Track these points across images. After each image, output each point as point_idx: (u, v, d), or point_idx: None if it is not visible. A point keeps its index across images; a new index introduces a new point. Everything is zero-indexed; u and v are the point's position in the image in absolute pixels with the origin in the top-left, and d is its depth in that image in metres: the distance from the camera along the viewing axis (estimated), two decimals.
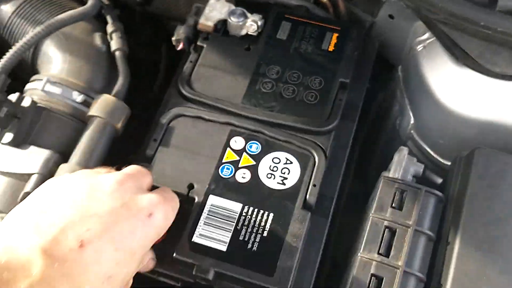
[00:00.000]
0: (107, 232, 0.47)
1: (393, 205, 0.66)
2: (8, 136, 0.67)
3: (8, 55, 0.65)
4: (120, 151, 0.73)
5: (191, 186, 0.68)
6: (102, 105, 0.69)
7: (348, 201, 0.93)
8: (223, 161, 0.70)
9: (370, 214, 0.66)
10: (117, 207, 0.49)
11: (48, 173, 0.66)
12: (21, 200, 0.66)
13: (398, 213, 0.65)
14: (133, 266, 0.51)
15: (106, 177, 0.53)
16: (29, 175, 0.66)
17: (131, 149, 0.81)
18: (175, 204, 0.59)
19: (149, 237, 0.53)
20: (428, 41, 0.75)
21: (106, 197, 0.50)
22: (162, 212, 0.54)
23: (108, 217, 0.48)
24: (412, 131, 0.79)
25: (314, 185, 0.68)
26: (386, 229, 0.65)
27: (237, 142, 0.71)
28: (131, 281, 0.55)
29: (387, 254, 0.63)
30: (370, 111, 0.93)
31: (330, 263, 0.89)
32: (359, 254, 0.64)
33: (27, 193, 0.65)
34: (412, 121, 0.78)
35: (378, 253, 0.63)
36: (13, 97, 0.67)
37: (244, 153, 0.70)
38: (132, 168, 0.58)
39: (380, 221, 0.65)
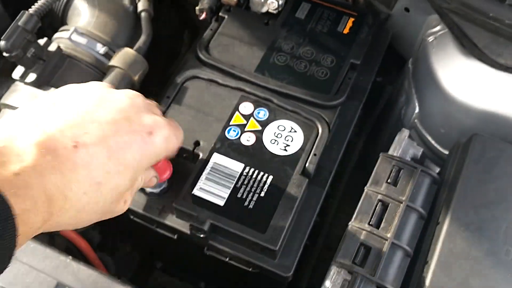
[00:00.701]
0: (104, 140, 0.48)
1: (389, 180, 0.68)
2: (32, 76, 0.71)
3: (41, 1, 0.70)
4: None
5: (197, 143, 0.71)
6: (123, 57, 0.73)
7: (349, 189, 0.95)
8: (231, 123, 0.73)
9: (365, 187, 0.68)
10: (119, 119, 0.50)
11: None
12: None
13: (392, 189, 0.67)
14: (124, 180, 0.51)
15: (119, 91, 0.54)
16: None
17: None
18: (179, 133, 0.59)
19: (145, 154, 0.52)
20: (439, 33, 0.78)
21: (111, 108, 0.51)
22: (164, 134, 0.54)
23: (108, 126, 0.49)
24: (415, 120, 0.81)
25: (315, 154, 0.70)
26: (379, 202, 0.67)
27: (246, 107, 0.74)
28: (128, 199, 0.56)
29: (377, 226, 0.65)
30: (378, 104, 0.96)
31: (322, 246, 0.92)
32: (350, 223, 0.66)
33: None
34: (416, 110, 0.80)
35: (369, 224, 0.65)
36: (41, 41, 0.72)
37: (252, 118, 0.73)
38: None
39: (374, 194, 0.67)
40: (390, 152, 0.71)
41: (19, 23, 0.67)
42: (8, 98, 0.73)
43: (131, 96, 0.54)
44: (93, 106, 0.50)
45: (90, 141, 0.47)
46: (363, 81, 0.79)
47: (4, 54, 0.67)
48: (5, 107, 0.73)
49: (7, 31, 0.67)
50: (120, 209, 0.55)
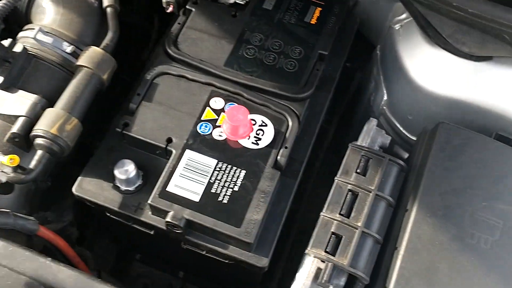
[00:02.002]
0: None
1: (358, 170, 0.70)
2: None
3: (3, 2, 0.68)
4: (106, 112, 0.76)
5: (169, 140, 0.72)
6: (90, 56, 0.72)
7: (323, 173, 0.97)
8: (202, 118, 0.73)
9: (335, 178, 0.69)
10: None
11: (34, 116, 0.69)
12: (8, 140, 0.69)
13: (361, 178, 0.69)
14: None
15: None
16: (16, 117, 0.69)
17: (117, 110, 0.84)
18: None
19: None
20: (405, 21, 0.79)
21: None
22: None
23: None
24: (384, 107, 0.83)
25: (286, 147, 0.72)
26: (349, 192, 0.69)
27: (217, 102, 0.74)
28: None
29: (348, 215, 0.67)
30: (349, 89, 0.97)
31: (298, 230, 0.94)
32: (321, 214, 0.68)
33: (14, 133, 0.68)
34: (385, 97, 0.82)
35: (340, 214, 0.67)
36: (5, 42, 0.71)
37: (223, 113, 0.74)
38: None
39: (344, 185, 0.69)
40: (359, 142, 0.73)
41: None
42: None
43: None
44: None
45: None
46: (332, 70, 0.80)
47: None
48: None
49: None
50: None
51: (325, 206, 0.68)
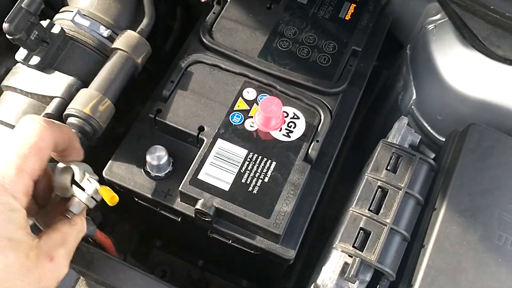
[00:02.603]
0: None
1: (388, 167, 0.70)
2: (35, 59, 0.70)
3: None
4: (126, 103, 0.76)
5: (201, 128, 0.72)
6: (126, 39, 0.72)
7: (344, 170, 0.98)
8: (234, 109, 0.74)
9: (366, 174, 0.70)
10: None
11: (69, 98, 0.69)
12: None
13: (391, 175, 0.70)
14: None
15: None
16: (51, 97, 0.69)
17: (138, 101, 0.84)
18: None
19: None
20: (439, 22, 0.79)
21: None
22: None
23: None
24: (412, 106, 0.83)
25: (317, 141, 0.72)
26: (379, 189, 0.69)
27: (249, 93, 0.75)
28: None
29: (377, 211, 0.68)
30: (375, 88, 0.97)
31: (318, 225, 0.94)
32: (351, 209, 0.68)
33: (48, 114, 0.68)
34: (414, 97, 0.82)
35: (369, 210, 0.68)
36: (43, 23, 0.71)
37: (255, 104, 0.74)
38: None
39: (374, 181, 0.69)
40: (390, 139, 0.73)
41: (22, 5, 0.66)
42: (10, 80, 0.72)
43: None
44: None
45: None
46: (363, 67, 0.81)
47: (8, 36, 0.67)
48: (7, 89, 0.72)
49: (10, 13, 0.66)
50: None
51: (354, 201, 0.68)
